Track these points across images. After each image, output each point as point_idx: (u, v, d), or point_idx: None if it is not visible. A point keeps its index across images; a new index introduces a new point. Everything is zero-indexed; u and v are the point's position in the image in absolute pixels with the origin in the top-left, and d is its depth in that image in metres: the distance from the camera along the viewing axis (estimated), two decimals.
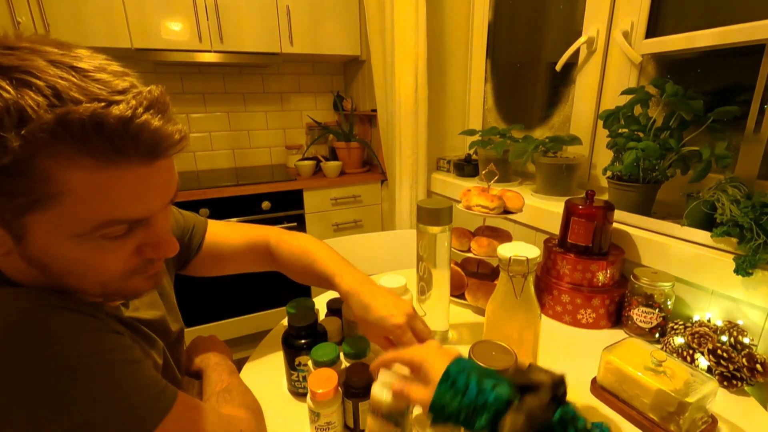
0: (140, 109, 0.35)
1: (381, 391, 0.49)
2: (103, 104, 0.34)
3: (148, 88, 0.37)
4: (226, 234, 0.76)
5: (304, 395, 0.62)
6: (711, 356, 0.68)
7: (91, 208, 0.36)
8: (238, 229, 0.78)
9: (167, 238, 0.44)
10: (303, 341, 0.66)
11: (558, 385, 0.39)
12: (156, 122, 0.36)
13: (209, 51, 1.85)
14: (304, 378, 0.66)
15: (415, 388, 0.45)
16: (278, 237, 0.77)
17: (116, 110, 0.34)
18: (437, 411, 0.41)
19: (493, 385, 0.40)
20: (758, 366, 0.66)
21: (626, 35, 1.08)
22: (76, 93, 0.33)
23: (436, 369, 0.43)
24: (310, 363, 0.63)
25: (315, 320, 0.68)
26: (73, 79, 0.34)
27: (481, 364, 0.50)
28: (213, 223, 0.76)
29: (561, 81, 1.34)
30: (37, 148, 0.33)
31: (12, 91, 0.32)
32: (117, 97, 0.35)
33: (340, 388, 0.58)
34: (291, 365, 0.66)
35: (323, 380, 0.57)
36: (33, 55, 0.34)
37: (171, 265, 0.70)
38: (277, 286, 1.98)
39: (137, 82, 0.38)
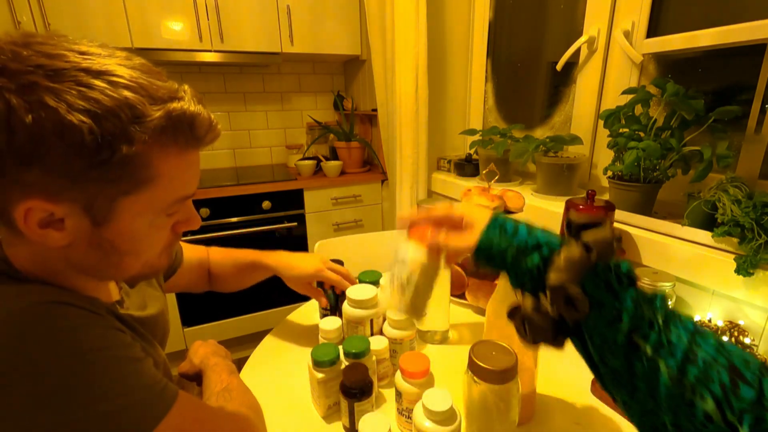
0: (197, 104, 0.41)
1: (405, 256, 0.48)
2: (181, 102, 0.40)
3: (186, 86, 0.43)
4: (186, 249, 0.82)
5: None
6: None
7: (171, 188, 0.42)
8: (188, 246, 0.84)
9: (195, 213, 0.50)
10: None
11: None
12: (210, 115, 0.43)
13: (210, 50, 1.85)
14: (325, 308, 0.85)
15: (454, 236, 0.45)
16: (208, 251, 0.87)
17: (191, 106, 0.40)
18: (484, 251, 0.41)
19: (543, 231, 0.40)
20: None
21: (627, 35, 1.08)
22: (158, 92, 0.39)
23: (481, 217, 0.43)
24: (310, 363, 0.63)
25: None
26: (146, 77, 0.39)
27: (482, 364, 0.51)
28: None
29: (562, 80, 1.34)
30: (152, 140, 0.38)
31: (115, 91, 0.36)
32: (180, 94, 0.41)
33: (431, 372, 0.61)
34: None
35: (415, 360, 0.60)
36: (107, 60, 0.38)
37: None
38: (276, 286, 1.97)
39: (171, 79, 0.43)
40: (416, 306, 0.50)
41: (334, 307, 0.84)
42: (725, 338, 0.71)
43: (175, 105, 0.39)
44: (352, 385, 0.58)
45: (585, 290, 0.35)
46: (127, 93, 0.36)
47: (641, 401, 0.33)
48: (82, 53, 0.37)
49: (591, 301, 0.35)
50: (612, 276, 0.35)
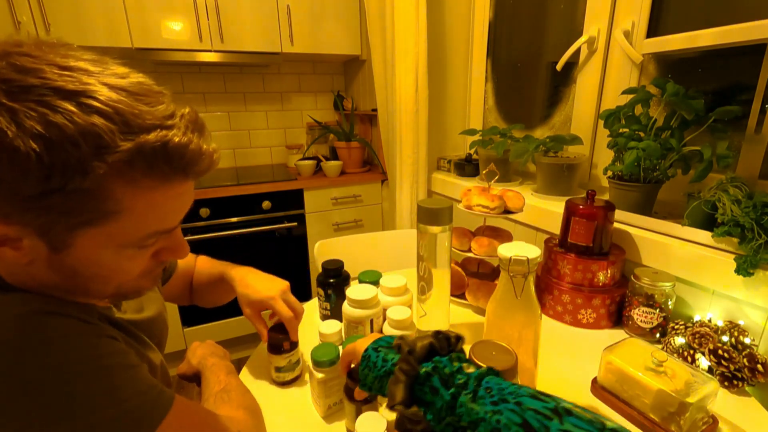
0: (189, 134, 0.38)
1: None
2: (164, 132, 0.36)
3: (187, 110, 0.39)
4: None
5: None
6: (712, 356, 0.68)
7: (141, 223, 0.39)
8: None
9: (183, 242, 0.47)
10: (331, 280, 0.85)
11: (440, 340, 0.45)
12: (203, 145, 0.40)
13: (210, 50, 1.85)
14: (325, 308, 0.87)
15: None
16: (196, 260, 0.83)
17: (176, 137, 0.37)
18: (362, 384, 0.50)
19: (392, 357, 0.47)
20: (759, 366, 0.65)
21: (627, 35, 1.08)
22: (138, 119, 0.35)
23: (357, 356, 0.52)
24: (310, 363, 0.63)
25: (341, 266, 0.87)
26: (129, 102, 0.36)
27: (482, 364, 0.50)
28: None
29: (562, 80, 1.34)
30: (114, 173, 0.35)
31: (83, 116, 0.33)
32: (169, 122, 0.37)
33: None
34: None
35: None
36: (91, 78, 0.35)
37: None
38: None
39: (173, 102, 0.40)
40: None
41: (276, 346, 0.69)
42: (725, 338, 0.71)
43: (153, 135, 0.35)
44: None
45: (419, 397, 0.42)
46: (97, 119, 0.33)
47: None
48: (64, 68, 0.34)
49: (426, 404, 0.41)
50: (433, 379, 0.41)
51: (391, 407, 0.42)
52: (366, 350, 0.50)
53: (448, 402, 0.39)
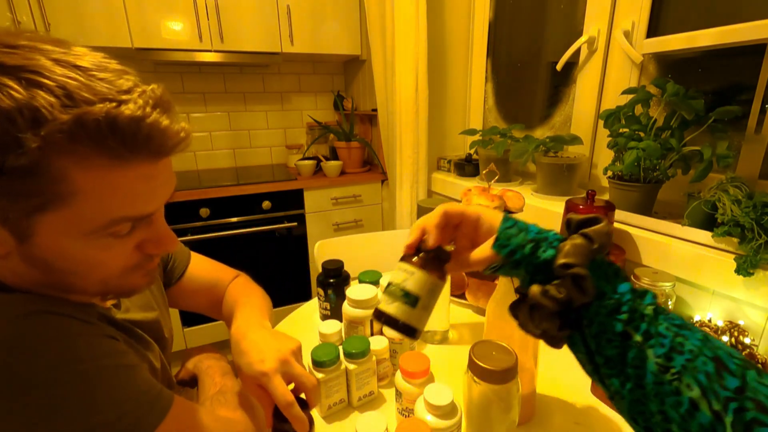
0: (148, 108, 0.35)
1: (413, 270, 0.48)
2: (114, 104, 0.34)
3: (151, 87, 0.37)
4: (206, 269, 0.74)
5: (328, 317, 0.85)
6: None
7: (102, 206, 0.36)
8: (215, 266, 0.76)
9: (167, 233, 0.44)
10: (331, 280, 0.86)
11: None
12: (164, 121, 0.37)
13: (209, 50, 1.85)
14: (325, 308, 0.87)
15: (472, 252, 0.46)
16: (232, 281, 0.74)
17: (128, 110, 0.34)
18: (503, 245, 0.42)
19: (550, 230, 0.42)
20: (759, 366, 0.65)
21: (627, 35, 1.08)
22: (86, 93, 0.33)
23: (495, 216, 0.45)
24: (310, 364, 0.63)
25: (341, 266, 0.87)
26: (81, 78, 0.34)
27: (482, 364, 0.51)
28: (195, 256, 0.75)
29: (562, 80, 1.34)
30: (54, 148, 0.32)
31: (23, 91, 0.32)
32: (124, 97, 0.35)
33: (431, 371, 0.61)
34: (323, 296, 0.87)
35: (415, 360, 0.60)
36: (36, 54, 0.34)
37: (160, 278, 0.69)
38: (276, 286, 1.98)
39: (138, 80, 0.38)
40: (419, 322, 0.48)
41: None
42: (725, 338, 0.71)
43: (98, 108, 0.33)
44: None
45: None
46: (38, 92, 0.32)
47: (631, 390, 0.34)
48: (9, 46, 0.33)
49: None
50: (610, 269, 0.38)
51: (563, 265, 0.36)
52: (506, 215, 0.45)
53: (628, 300, 0.36)
